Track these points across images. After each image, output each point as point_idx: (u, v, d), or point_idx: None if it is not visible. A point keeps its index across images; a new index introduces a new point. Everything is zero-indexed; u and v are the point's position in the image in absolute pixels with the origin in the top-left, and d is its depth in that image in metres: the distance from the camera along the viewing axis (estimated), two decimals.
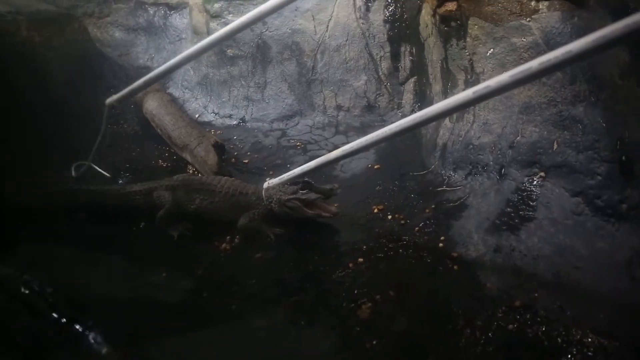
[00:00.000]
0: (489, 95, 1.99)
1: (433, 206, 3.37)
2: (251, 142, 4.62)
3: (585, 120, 2.88)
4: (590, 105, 2.89)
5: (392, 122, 4.45)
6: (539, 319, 2.39)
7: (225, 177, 3.52)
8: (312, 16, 4.74)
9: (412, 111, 4.52)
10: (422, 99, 4.48)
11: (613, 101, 2.89)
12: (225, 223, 3.31)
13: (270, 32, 4.87)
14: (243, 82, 5.02)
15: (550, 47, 2.99)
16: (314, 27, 4.76)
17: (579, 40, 1.61)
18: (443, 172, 3.64)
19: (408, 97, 4.61)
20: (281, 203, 3.27)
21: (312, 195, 3.24)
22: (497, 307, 2.49)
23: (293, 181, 3.27)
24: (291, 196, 3.24)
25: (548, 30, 3.03)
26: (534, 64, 1.76)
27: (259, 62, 4.96)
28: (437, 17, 3.78)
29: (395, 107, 4.69)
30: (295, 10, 4.75)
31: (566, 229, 2.80)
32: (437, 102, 4.03)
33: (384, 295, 2.65)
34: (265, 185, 3.37)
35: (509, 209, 3.04)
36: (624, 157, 2.76)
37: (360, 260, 2.95)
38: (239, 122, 4.96)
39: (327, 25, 4.74)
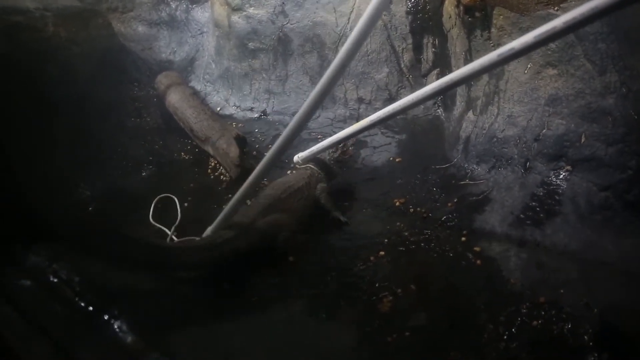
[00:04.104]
0: (514, 57, 2.01)
1: (455, 200, 3.33)
2: (272, 135, 4.62)
3: (615, 112, 2.78)
4: (621, 97, 2.79)
5: (414, 115, 4.46)
6: (564, 315, 2.34)
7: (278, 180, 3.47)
8: (334, 8, 4.70)
9: (435, 104, 4.46)
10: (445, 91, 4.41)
11: None
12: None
13: (291, 24, 4.85)
14: (264, 75, 5.02)
15: (580, 38, 2.90)
16: (336, 19, 4.72)
17: None
18: (466, 165, 3.58)
19: None
20: (337, 161, 3.69)
21: (348, 144, 3.75)
22: (521, 303, 2.45)
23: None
24: (336, 153, 3.69)
25: None
26: (558, 22, 1.72)
27: (280, 55, 4.94)
28: (461, 7, 3.71)
29: None
30: (317, 2, 4.71)
31: (594, 224, 2.72)
32: (459, 93, 4.00)
33: (405, 289, 2.63)
34: (296, 158, 3.66)
35: (534, 203, 2.97)
36: None
37: (382, 253, 2.94)
38: (261, 115, 4.97)
39: (349, 18, 4.69)
